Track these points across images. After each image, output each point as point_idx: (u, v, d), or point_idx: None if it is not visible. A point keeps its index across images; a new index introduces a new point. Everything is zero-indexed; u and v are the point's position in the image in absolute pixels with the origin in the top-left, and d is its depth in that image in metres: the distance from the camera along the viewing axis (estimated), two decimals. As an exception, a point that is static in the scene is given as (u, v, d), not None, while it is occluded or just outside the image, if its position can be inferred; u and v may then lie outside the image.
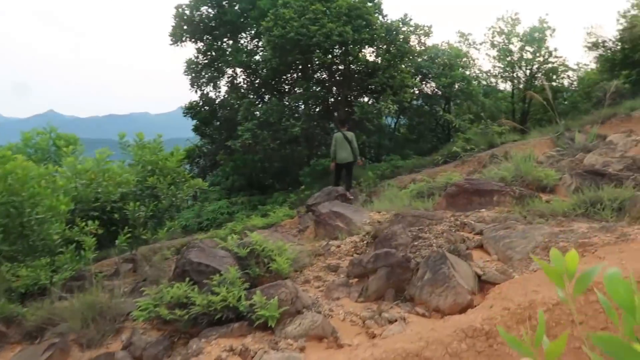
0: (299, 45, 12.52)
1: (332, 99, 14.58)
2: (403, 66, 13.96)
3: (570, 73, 21.56)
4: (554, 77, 20.31)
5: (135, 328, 3.92)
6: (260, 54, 14.46)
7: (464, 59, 18.95)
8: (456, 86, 17.66)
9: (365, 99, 14.64)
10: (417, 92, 16.26)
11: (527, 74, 20.32)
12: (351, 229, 5.30)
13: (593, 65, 20.67)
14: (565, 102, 20.61)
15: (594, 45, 20.17)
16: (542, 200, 4.64)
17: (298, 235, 6.20)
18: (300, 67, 13.75)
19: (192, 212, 15.65)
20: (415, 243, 3.88)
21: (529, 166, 5.71)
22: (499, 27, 20.18)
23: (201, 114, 16.06)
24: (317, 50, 12.40)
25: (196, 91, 15.79)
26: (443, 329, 2.40)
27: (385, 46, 13.81)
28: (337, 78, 14.39)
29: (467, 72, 18.63)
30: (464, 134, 12.83)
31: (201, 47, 15.05)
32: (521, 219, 4.08)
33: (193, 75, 15.39)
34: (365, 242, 4.82)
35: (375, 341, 2.68)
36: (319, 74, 14.82)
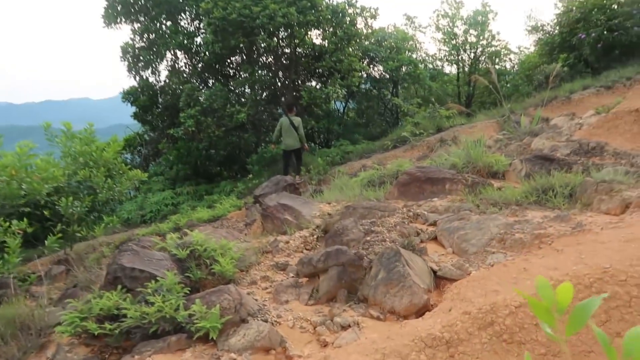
0: (241, 28, 12.01)
1: (279, 84, 14.19)
2: (350, 49, 13.74)
3: (512, 56, 22.30)
4: (497, 60, 20.89)
5: (60, 344, 3.53)
6: (202, 36, 13.79)
7: (411, 42, 19.05)
8: (403, 70, 17.72)
9: (313, 84, 14.32)
10: (365, 76, 16.14)
11: (472, 57, 20.76)
12: (300, 223, 5.07)
13: (533, 49, 21.38)
14: (508, 85, 21.25)
15: (534, 29, 20.83)
16: (494, 188, 4.59)
17: (245, 230, 5.91)
18: (244, 50, 13.24)
19: (134, 204, 14.90)
20: (368, 238, 3.70)
21: (479, 152, 5.68)
22: (444, 10, 20.44)
23: (140, 100, 15.18)
24: (262, 33, 11.95)
25: (134, 77, 14.87)
26: (400, 337, 2.22)
27: (331, 29, 13.53)
28: (284, 62, 13.99)
29: (414, 56, 18.75)
30: (412, 119, 12.88)
31: (137, 28, 14.08)
32: (474, 208, 3.99)
33: (130, 59, 14.43)
34: (315, 236, 4.61)
35: (327, 352, 2.47)
36: (264, 58, 14.36)
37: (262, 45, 12.30)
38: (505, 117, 11.84)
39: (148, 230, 8.84)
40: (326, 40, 13.69)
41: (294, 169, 11.20)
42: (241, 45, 12.36)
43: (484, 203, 4.03)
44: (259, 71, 12.78)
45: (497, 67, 21.14)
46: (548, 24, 20.15)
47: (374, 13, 15.38)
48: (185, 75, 14.71)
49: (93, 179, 8.00)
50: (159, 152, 17.39)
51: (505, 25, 25.99)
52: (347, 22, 13.53)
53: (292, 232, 4.81)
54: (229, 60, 14.27)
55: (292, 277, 3.74)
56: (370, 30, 16.41)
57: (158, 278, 3.45)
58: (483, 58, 20.72)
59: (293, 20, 11.88)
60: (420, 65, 18.10)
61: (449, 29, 20.27)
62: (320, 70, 13.30)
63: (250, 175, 12.70)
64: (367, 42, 16.15)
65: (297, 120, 10.69)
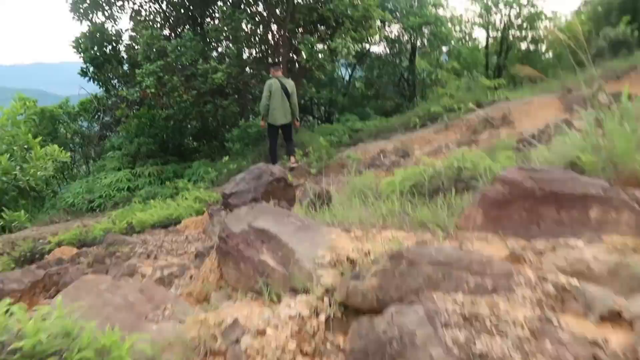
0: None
1: (271, 38, 11.62)
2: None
3: (547, 22, 19.67)
4: (537, 24, 18.26)
5: None
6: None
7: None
8: (425, 30, 15.10)
9: (315, 38, 11.65)
10: (385, 28, 13.47)
11: (506, 19, 18.15)
12: (293, 275, 2.63)
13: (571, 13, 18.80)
14: (547, 56, 18.75)
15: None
16: None
17: (190, 269, 3.48)
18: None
19: (82, 186, 12.43)
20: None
21: (626, 143, 3.23)
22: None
23: (90, 51, 12.50)
24: None
25: (80, 20, 12.09)
26: None
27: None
28: (277, 11, 11.37)
29: (440, 13, 16.08)
30: (443, 89, 10.41)
31: None
32: None
33: (76, -3, 11.66)
34: (322, 317, 2.20)
35: None
36: (252, 7, 11.69)
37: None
38: (568, 91, 9.40)
39: (71, 234, 6.39)
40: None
41: (286, 152, 8.78)
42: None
43: None
44: (245, 19, 10.06)
45: (534, 33, 18.60)
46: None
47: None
48: (148, 21, 12.07)
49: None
50: (120, 120, 14.83)
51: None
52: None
53: (274, 299, 2.41)
54: (203, 7, 11.60)
55: None
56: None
57: None
58: (519, 21, 18.13)
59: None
60: (447, 25, 15.48)
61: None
62: (326, 17, 10.55)
63: (227, 157, 10.20)
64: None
65: (290, 84, 8.24)
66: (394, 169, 6.72)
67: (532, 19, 18.08)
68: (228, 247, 3.01)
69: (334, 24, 10.55)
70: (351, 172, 7.08)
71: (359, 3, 10.14)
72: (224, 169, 9.72)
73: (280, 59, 10.10)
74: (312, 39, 9.37)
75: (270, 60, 13.12)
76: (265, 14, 11.02)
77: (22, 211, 7.17)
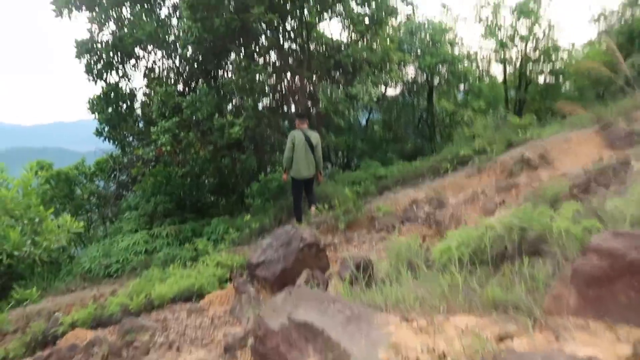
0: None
1: (285, 86, 11.40)
2: (381, 33, 10.82)
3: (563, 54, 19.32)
4: (555, 56, 17.92)
5: None
6: (178, 22, 11.05)
7: (449, 35, 16.18)
8: (442, 68, 14.86)
9: (333, 85, 11.42)
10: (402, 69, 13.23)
11: (522, 53, 17.85)
12: (350, 388, 2.15)
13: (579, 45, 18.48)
14: (568, 87, 18.32)
15: (598, 18, 18.13)
16: None
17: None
18: (236, 39, 10.46)
19: (99, 250, 12.06)
20: None
21: None
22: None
23: (103, 113, 12.41)
24: (257, 5, 8.99)
25: (95, 81, 12.07)
26: None
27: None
28: (291, 59, 11.22)
29: (456, 51, 15.86)
30: (469, 129, 9.99)
31: (95, 16, 11.28)
32: None
33: (89, 58, 11.66)
34: None
35: None
36: (265, 57, 11.54)
37: (261, 25, 9.45)
38: (607, 126, 8.89)
39: (86, 313, 5.92)
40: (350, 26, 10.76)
41: (307, 202, 8.36)
42: (231, 27, 9.50)
43: None
44: (259, 69, 9.84)
45: (551, 65, 18.27)
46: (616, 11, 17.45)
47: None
48: (162, 77, 11.99)
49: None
50: (136, 178, 14.64)
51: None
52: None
53: None
54: (217, 57, 11.47)
55: None
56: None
57: None
58: (536, 54, 17.83)
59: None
60: (464, 63, 15.22)
61: (493, 20, 17.48)
62: (343, 63, 10.26)
63: (248, 216, 9.76)
64: (397, 32, 13.35)
65: (314, 136, 7.90)
66: (434, 225, 6.21)
67: (549, 52, 17.79)
68: (266, 348, 2.53)
69: (350, 70, 10.30)
70: (384, 228, 6.58)
71: (377, 47, 9.91)
72: (246, 228, 9.29)
73: (300, 108, 9.84)
74: (331, 86, 9.10)
75: (285, 109, 12.92)
76: (278, 63, 10.86)
77: (34, 288, 6.77)
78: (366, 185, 8.95)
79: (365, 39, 10.42)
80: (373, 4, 10.03)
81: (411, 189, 9.24)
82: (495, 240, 3.45)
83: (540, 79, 18.71)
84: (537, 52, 17.68)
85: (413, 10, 12.76)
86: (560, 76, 18.25)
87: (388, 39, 10.22)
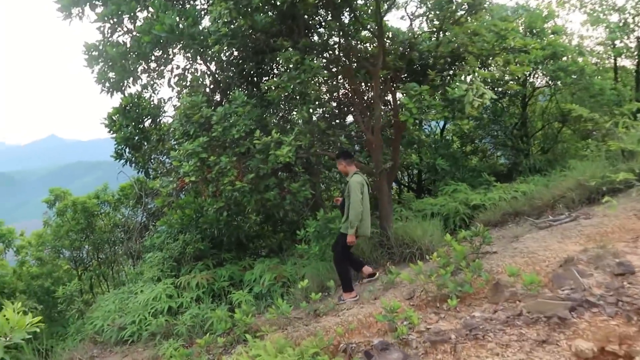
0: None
1: (349, 91, 8.95)
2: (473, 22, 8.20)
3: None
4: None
5: None
6: (209, 18, 8.80)
7: (552, 22, 13.23)
8: (548, 65, 11.93)
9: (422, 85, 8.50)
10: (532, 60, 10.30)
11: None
12: None
13: None
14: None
15: None
16: None
17: None
18: (287, 28, 8.15)
19: (115, 302, 9.95)
20: None
21: None
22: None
23: (122, 131, 10.32)
24: None
25: (110, 93, 9.91)
26: None
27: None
28: (359, 56, 8.74)
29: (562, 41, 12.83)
30: (615, 142, 7.19)
31: (104, 12, 8.96)
32: None
33: (100, 65, 9.52)
34: None
35: None
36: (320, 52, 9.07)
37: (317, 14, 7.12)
38: None
39: None
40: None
41: (353, 264, 6.71)
42: (275, 23, 7.26)
43: None
44: (317, 66, 7.38)
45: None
46: None
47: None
48: (194, 86, 9.81)
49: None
50: (162, 209, 12.56)
51: None
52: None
53: None
54: (258, 59, 9.17)
55: None
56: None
57: None
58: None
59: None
60: (577, 57, 12.23)
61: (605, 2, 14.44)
62: (437, 56, 7.53)
63: (303, 265, 7.25)
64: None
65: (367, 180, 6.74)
66: (635, 316, 3.51)
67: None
68: None
69: (445, 64, 7.62)
70: (536, 319, 3.98)
71: (484, 33, 7.12)
72: (298, 285, 6.83)
73: (373, 120, 7.41)
74: (420, 87, 6.51)
75: (340, 120, 10.49)
76: (344, 59, 8.39)
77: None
78: (482, 236, 6.18)
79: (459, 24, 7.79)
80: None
81: (541, 232, 6.53)
82: None
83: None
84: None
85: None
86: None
87: (500, 21, 7.49)
